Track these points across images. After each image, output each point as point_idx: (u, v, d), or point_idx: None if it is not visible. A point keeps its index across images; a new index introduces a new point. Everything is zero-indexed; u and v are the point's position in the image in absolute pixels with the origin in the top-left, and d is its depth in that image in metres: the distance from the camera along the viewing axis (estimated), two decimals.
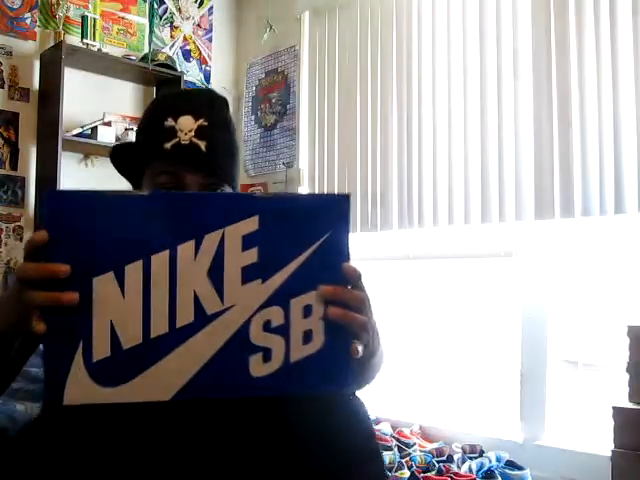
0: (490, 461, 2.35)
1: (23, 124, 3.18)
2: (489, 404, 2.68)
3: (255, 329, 0.79)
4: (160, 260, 0.76)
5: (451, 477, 2.33)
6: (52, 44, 3.19)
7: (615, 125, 2.27)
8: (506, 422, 2.60)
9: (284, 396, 0.86)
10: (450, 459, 2.52)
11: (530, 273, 2.53)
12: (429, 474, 2.37)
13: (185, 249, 0.77)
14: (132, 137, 3.28)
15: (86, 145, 3.21)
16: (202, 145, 1.06)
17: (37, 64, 3.20)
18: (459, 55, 2.75)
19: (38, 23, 3.23)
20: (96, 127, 3.20)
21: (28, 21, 3.20)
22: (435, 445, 2.59)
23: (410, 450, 2.55)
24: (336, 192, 0.79)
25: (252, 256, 0.78)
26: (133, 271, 0.76)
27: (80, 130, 3.17)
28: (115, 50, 3.43)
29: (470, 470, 2.35)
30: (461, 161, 2.72)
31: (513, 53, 2.57)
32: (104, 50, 3.27)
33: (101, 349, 0.76)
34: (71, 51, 3.09)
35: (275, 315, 0.79)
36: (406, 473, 2.38)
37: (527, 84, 2.52)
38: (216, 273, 0.78)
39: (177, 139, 1.06)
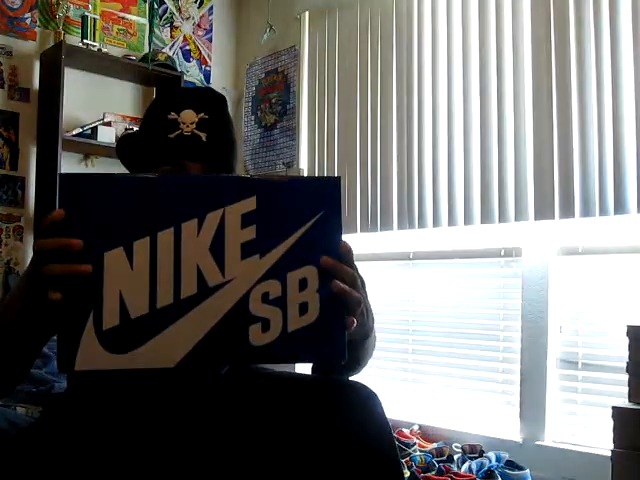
0: (490, 461, 2.35)
1: (23, 124, 3.18)
2: (489, 404, 2.68)
3: (254, 300, 0.84)
4: (166, 237, 0.83)
5: (451, 477, 2.33)
6: (52, 44, 3.19)
7: (615, 125, 2.27)
8: (506, 422, 2.60)
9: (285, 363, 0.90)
10: (450, 459, 2.53)
11: (530, 273, 2.53)
12: (429, 474, 2.37)
13: (188, 227, 0.83)
14: None
15: (86, 145, 3.21)
16: (203, 136, 1.12)
17: (37, 64, 3.20)
18: (459, 55, 2.75)
19: (38, 23, 3.23)
20: (96, 127, 3.20)
21: (28, 21, 3.20)
22: (435, 445, 2.59)
23: (410, 450, 2.55)
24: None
25: (251, 233, 0.84)
26: (141, 247, 0.83)
27: (80, 130, 3.17)
28: (115, 50, 3.43)
29: (470, 470, 2.35)
30: (461, 161, 2.72)
31: (513, 53, 2.57)
32: (104, 50, 3.27)
33: (111, 318, 0.82)
34: (71, 51, 3.09)
35: (273, 288, 0.85)
36: (406, 473, 2.38)
37: (527, 84, 2.52)
38: (217, 249, 0.84)
39: (179, 130, 1.12)
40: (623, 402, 1.93)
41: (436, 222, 2.79)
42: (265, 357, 0.86)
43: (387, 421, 1.03)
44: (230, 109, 1.23)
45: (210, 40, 3.85)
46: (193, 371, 0.92)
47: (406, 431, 2.69)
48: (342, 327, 0.87)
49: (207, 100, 1.17)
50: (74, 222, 0.82)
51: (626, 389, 1.93)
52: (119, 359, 0.82)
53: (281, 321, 0.85)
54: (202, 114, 1.14)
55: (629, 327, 1.95)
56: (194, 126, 1.12)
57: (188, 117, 1.13)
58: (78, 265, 0.81)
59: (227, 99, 1.22)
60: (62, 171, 2.99)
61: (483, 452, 2.46)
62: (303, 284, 0.86)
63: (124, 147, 1.23)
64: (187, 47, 3.75)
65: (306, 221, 0.86)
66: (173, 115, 1.13)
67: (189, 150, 1.12)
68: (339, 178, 0.89)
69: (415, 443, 2.61)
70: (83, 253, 0.82)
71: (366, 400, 1.02)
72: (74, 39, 3.24)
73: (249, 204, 0.85)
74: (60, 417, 1.08)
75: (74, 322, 0.82)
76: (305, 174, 3.39)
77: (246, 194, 0.85)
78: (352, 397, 1.02)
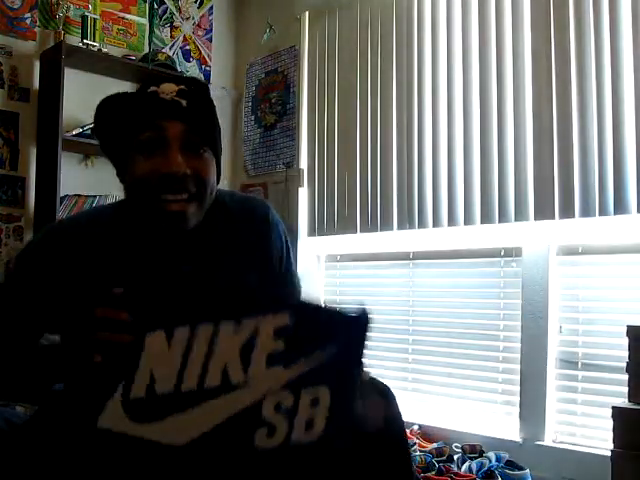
0: (490, 461, 2.35)
1: (23, 124, 3.17)
2: (489, 404, 2.68)
3: (267, 406, 0.92)
4: (205, 330, 0.92)
5: (451, 477, 2.33)
6: (52, 44, 3.18)
7: (615, 125, 2.28)
8: (506, 422, 2.60)
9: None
10: (450, 459, 2.53)
11: (530, 273, 2.53)
12: (429, 474, 2.37)
13: (226, 326, 0.92)
14: None
15: (86, 145, 3.21)
16: (183, 102, 1.12)
17: (37, 64, 3.20)
18: (459, 54, 2.75)
19: (38, 23, 3.23)
20: None
21: (28, 21, 3.20)
22: (435, 445, 2.59)
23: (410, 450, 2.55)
24: (356, 307, 0.93)
25: (279, 345, 0.93)
26: (181, 334, 0.91)
27: (80, 130, 3.16)
28: (115, 50, 3.42)
29: (470, 470, 2.35)
30: (461, 161, 2.72)
31: (513, 52, 2.57)
32: (104, 50, 3.27)
33: (138, 390, 0.90)
34: (71, 51, 3.09)
35: (287, 399, 0.93)
36: None
37: (527, 84, 2.52)
38: (247, 352, 0.92)
39: (160, 99, 1.12)
40: (623, 402, 1.93)
41: (436, 222, 2.80)
42: (263, 461, 0.93)
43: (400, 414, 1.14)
44: (230, 109, 1.24)
45: (210, 40, 3.84)
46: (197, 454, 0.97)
47: (406, 431, 2.69)
48: (342, 449, 0.94)
49: (189, 79, 1.19)
50: (130, 299, 0.92)
51: (626, 389, 1.93)
52: (137, 427, 0.90)
53: (286, 431, 0.93)
54: (182, 86, 1.13)
55: (629, 327, 1.95)
56: (174, 94, 1.12)
57: (167, 87, 1.12)
58: (126, 336, 0.91)
59: (227, 99, 1.22)
60: (62, 171, 2.99)
61: (483, 452, 2.46)
62: (315, 402, 0.93)
63: (101, 114, 1.20)
64: (187, 47, 3.75)
65: (331, 347, 0.94)
66: (152, 88, 1.13)
67: (168, 111, 1.11)
68: (368, 315, 0.99)
69: (415, 443, 2.61)
70: (131, 328, 0.91)
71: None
72: (74, 39, 3.24)
73: (283, 319, 0.93)
74: (55, 415, 1.08)
75: (106, 385, 0.90)
76: (305, 174, 3.39)
77: (282, 309, 0.94)
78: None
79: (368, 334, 0.98)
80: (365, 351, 0.96)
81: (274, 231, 1.31)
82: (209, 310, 0.93)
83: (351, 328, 0.97)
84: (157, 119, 1.11)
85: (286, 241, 1.34)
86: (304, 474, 0.95)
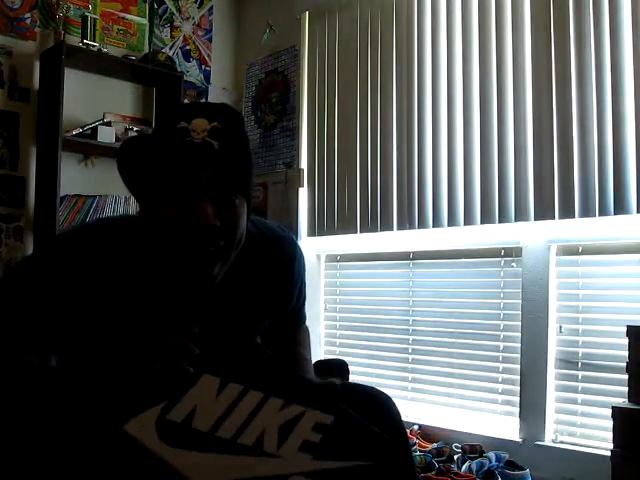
0: (490, 461, 2.35)
1: (23, 124, 3.17)
2: (489, 404, 2.68)
3: None
4: (255, 395, 0.98)
5: (451, 477, 2.33)
6: (52, 44, 3.18)
7: (615, 125, 2.28)
8: (506, 422, 2.60)
9: None
10: (450, 459, 2.53)
11: (530, 273, 2.53)
12: (429, 474, 2.37)
13: (275, 401, 0.99)
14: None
15: (86, 145, 3.21)
16: (215, 144, 1.04)
17: (37, 64, 3.20)
18: (459, 54, 2.75)
19: (38, 23, 3.23)
20: (96, 127, 3.20)
21: (28, 21, 3.20)
22: (435, 445, 2.59)
23: None
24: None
25: (316, 437, 0.97)
26: (233, 388, 0.98)
27: (80, 130, 3.16)
28: (115, 50, 3.43)
29: (470, 470, 2.35)
30: (461, 161, 2.72)
31: (513, 53, 2.57)
32: (104, 50, 3.27)
33: (177, 415, 0.95)
34: (71, 51, 3.09)
35: None
36: None
37: (528, 84, 2.52)
38: (285, 429, 0.97)
39: (190, 138, 1.03)
40: (623, 402, 1.93)
41: (436, 222, 2.80)
42: None
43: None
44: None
45: (210, 40, 3.85)
46: None
47: (409, 442, 2.69)
48: None
49: (221, 111, 1.09)
50: (201, 340, 1.01)
51: (626, 389, 1.93)
52: (162, 446, 0.93)
53: None
54: (215, 123, 1.04)
55: (629, 327, 1.95)
56: (205, 134, 1.03)
57: (199, 125, 1.04)
58: (187, 367, 0.98)
59: (227, 99, 1.19)
60: (62, 171, 2.99)
61: (483, 452, 2.46)
62: None
63: (126, 152, 1.15)
64: (187, 47, 3.75)
65: (360, 460, 0.98)
66: (183, 124, 1.04)
67: (199, 157, 1.03)
68: (407, 444, 1.06)
69: (415, 443, 2.61)
70: (192, 361, 0.99)
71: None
72: (74, 39, 3.24)
73: (327, 419, 0.99)
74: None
75: (148, 397, 0.95)
76: (305, 174, 3.39)
77: (329, 410, 1.00)
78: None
79: (392, 456, 1.01)
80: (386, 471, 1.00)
81: (298, 272, 1.32)
82: (265, 380, 1.01)
83: (384, 449, 1.01)
84: (188, 167, 1.03)
85: (304, 275, 1.36)
86: None
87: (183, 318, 1.14)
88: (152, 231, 1.10)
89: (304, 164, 3.41)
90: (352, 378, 1.63)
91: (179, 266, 1.08)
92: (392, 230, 2.97)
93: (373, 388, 1.17)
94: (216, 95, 3.70)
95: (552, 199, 2.42)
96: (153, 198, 1.08)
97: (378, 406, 1.11)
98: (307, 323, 1.48)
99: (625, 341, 1.95)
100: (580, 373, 2.41)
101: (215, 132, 1.04)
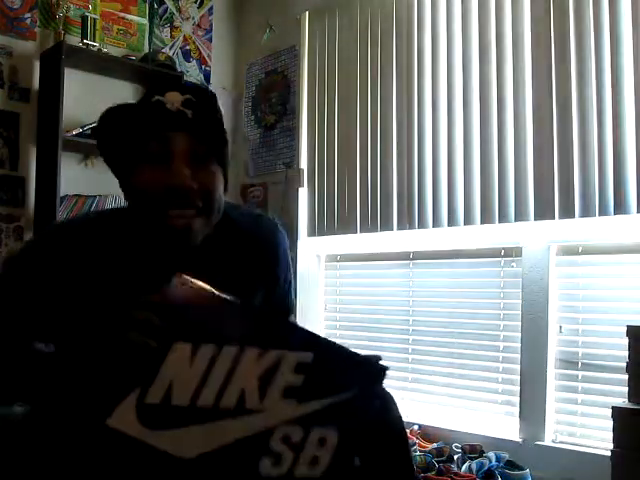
0: (490, 461, 2.35)
1: (23, 124, 3.17)
2: (489, 404, 2.68)
3: (276, 436, 0.94)
4: (230, 351, 0.94)
5: (451, 477, 2.33)
6: (52, 44, 3.18)
7: (615, 125, 2.28)
8: (506, 422, 2.60)
9: None
10: (450, 459, 2.53)
11: (530, 273, 2.53)
12: (429, 474, 2.37)
13: (251, 352, 0.95)
14: None
15: (86, 145, 3.21)
16: (189, 113, 1.09)
17: (37, 64, 3.20)
18: (459, 54, 2.75)
19: (38, 23, 3.23)
20: None
21: (28, 21, 3.20)
22: (435, 445, 2.59)
23: None
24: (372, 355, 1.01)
25: (298, 380, 0.95)
26: (206, 350, 0.93)
27: (80, 130, 3.16)
28: (115, 50, 3.43)
29: (470, 470, 2.35)
30: (461, 161, 2.72)
31: (513, 53, 2.57)
32: (104, 50, 3.27)
33: (154, 396, 0.92)
34: (71, 51, 3.09)
35: (296, 433, 0.95)
36: None
37: (527, 84, 2.52)
38: (265, 380, 0.95)
39: (165, 110, 1.08)
40: (623, 402, 1.93)
41: (436, 222, 2.80)
42: None
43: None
44: (230, 109, 1.22)
45: (210, 40, 3.84)
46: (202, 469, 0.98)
47: (407, 435, 2.69)
48: None
49: (193, 87, 1.15)
50: (170, 311, 0.94)
51: (626, 389, 1.93)
52: (145, 432, 0.91)
53: (291, 464, 0.94)
54: (188, 95, 1.10)
55: (629, 327, 1.95)
56: (179, 104, 1.09)
57: (173, 97, 1.09)
58: (153, 341, 0.93)
59: (227, 99, 1.21)
60: (62, 171, 2.99)
61: (483, 452, 2.46)
62: (322, 441, 0.96)
63: (105, 123, 1.18)
64: (187, 47, 3.75)
65: (346, 391, 0.97)
66: (157, 97, 1.09)
67: (174, 123, 1.08)
68: (385, 369, 1.01)
69: (415, 443, 2.61)
70: (158, 333, 0.93)
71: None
72: (74, 39, 3.24)
73: (306, 357, 0.96)
74: (57, 409, 1.08)
75: (124, 385, 0.92)
76: (305, 174, 3.39)
77: (306, 347, 0.97)
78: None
79: (383, 384, 1.01)
80: (375, 400, 1.00)
81: (281, 250, 1.32)
82: (236, 332, 0.96)
83: (369, 376, 1.00)
84: (162, 131, 1.08)
85: (289, 257, 1.36)
86: None
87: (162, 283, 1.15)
88: (131, 201, 1.14)
89: (304, 164, 3.41)
90: None
91: (158, 228, 1.11)
92: (392, 230, 2.97)
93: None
94: (216, 95, 3.70)
95: (552, 199, 2.42)
96: (131, 167, 1.12)
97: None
98: (307, 323, 1.49)
99: (625, 341, 1.95)
100: (580, 373, 2.41)
101: (189, 103, 1.09)
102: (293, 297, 1.43)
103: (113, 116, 1.16)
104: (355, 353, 1.02)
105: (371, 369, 1.01)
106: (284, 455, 0.94)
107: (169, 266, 1.13)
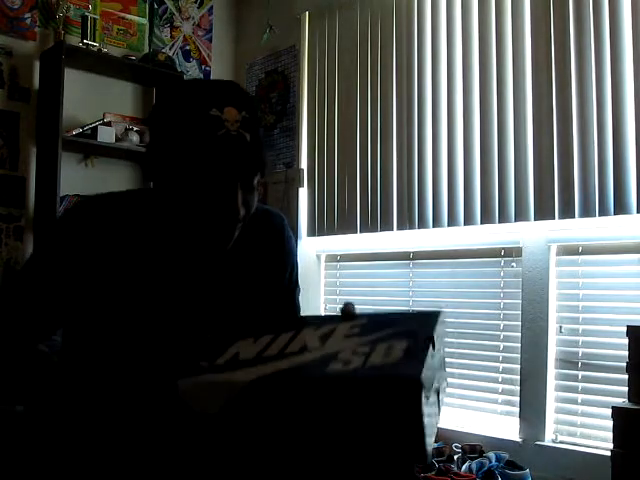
0: (490, 461, 2.35)
1: (23, 124, 3.17)
2: (489, 404, 2.68)
3: (344, 352, 0.93)
4: (287, 334, 1.00)
5: (451, 477, 2.33)
6: (52, 44, 3.18)
7: (615, 125, 2.28)
8: (506, 422, 2.60)
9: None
10: (450, 459, 2.53)
11: (530, 273, 2.53)
12: (429, 474, 2.37)
13: (307, 329, 1.01)
14: (132, 137, 3.28)
15: (86, 145, 3.21)
16: (247, 136, 1.08)
17: (37, 64, 3.20)
18: (459, 54, 2.75)
19: (38, 23, 3.23)
20: (96, 127, 3.20)
21: (28, 21, 3.20)
22: (435, 445, 2.59)
23: None
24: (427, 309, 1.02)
25: (356, 330, 0.99)
26: (264, 337, 1.00)
27: (80, 130, 3.16)
28: (115, 50, 3.43)
29: (470, 470, 2.35)
30: (461, 161, 2.72)
31: (513, 53, 2.57)
32: (104, 50, 3.27)
33: (222, 361, 0.96)
34: (71, 51, 3.09)
35: (363, 347, 0.93)
36: None
37: (528, 84, 2.52)
38: (325, 336, 0.98)
39: (225, 129, 1.06)
40: (623, 402, 1.93)
41: (436, 222, 2.80)
42: (336, 387, 0.90)
43: None
44: None
45: (210, 40, 3.85)
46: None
47: None
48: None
49: (244, 98, 1.12)
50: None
51: (626, 389, 1.93)
52: (217, 375, 0.93)
53: (362, 362, 0.90)
54: (244, 113, 1.08)
55: (629, 327, 1.96)
56: (238, 125, 1.07)
57: (232, 115, 1.07)
58: None
59: None
60: (62, 171, 2.99)
61: (483, 452, 2.46)
62: (389, 349, 0.91)
63: (156, 121, 1.14)
64: (187, 47, 3.75)
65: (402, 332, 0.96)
66: (215, 112, 1.06)
67: (237, 150, 1.07)
68: (439, 313, 1.00)
69: None
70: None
71: None
72: (74, 39, 3.24)
73: (359, 320, 1.02)
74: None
75: (195, 353, 0.96)
76: (305, 174, 3.39)
77: (357, 318, 1.02)
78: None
79: (442, 323, 0.99)
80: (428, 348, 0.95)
81: (289, 244, 1.34)
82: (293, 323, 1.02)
83: (424, 320, 1.00)
84: (226, 158, 1.07)
85: (296, 253, 1.38)
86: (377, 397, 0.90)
87: (196, 285, 1.18)
88: (178, 213, 1.12)
89: (304, 164, 3.41)
90: None
91: (202, 243, 1.13)
92: (392, 230, 2.97)
93: None
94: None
95: (552, 199, 2.42)
96: (184, 182, 1.10)
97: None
98: None
99: (625, 341, 1.95)
100: (580, 373, 2.41)
101: (245, 123, 1.08)
102: (300, 300, 1.44)
103: (165, 121, 1.12)
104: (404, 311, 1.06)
105: (424, 317, 1.01)
106: (353, 359, 0.91)
107: (200, 267, 1.19)
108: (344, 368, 0.89)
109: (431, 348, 0.91)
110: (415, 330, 0.96)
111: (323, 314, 1.28)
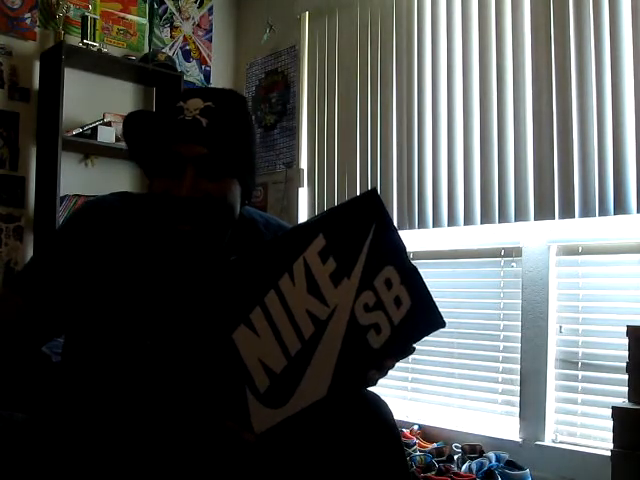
0: (490, 461, 2.35)
1: (23, 124, 3.17)
2: (489, 404, 2.68)
3: (359, 313, 0.99)
4: (271, 299, 0.96)
5: (451, 477, 2.33)
6: (52, 44, 3.18)
7: (615, 125, 2.28)
8: (506, 422, 2.60)
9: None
10: (450, 459, 2.53)
11: (530, 273, 2.53)
12: (429, 474, 2.37)
13: (284, 282, 0.96)
14: None
15: (86, 145, 3.21)
16: (204, 121, 1.09)
17: (37, 64, 3.20)
18: (459, 54, 2.75)
19: (38, 23, 3.23)
20: (96, 127, 3.20)
21: (28, 21, 3.20)
22: (435, 445, 2.59)
23: (410, 450, 2.55)
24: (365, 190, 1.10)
25: (332, 264, 0.98)
26: (256, 316, 0.95)
27: (80, 130, 3.16)
28: (115, 50, 3.43)
29: (470, 470, 2.35)
30: (461, 161, 2.72)
31: (513, 53, 2.57)
32: (104, 50, 3.27)
33: (262, 382, 0.95)
34: (71, 51, 3.09)
35: (368, 297, 1.00)
36: None
37: (527, 84, 2.52)
38: (314, 288, 0.97)
39: (183, 115, 1.09)
40: (623, 402, 1.93)
41: (436, 222, 2.80)
42: (388, 353, 1.01)
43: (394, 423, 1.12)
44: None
45: (210, 40, 3.85)
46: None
47: (406, 431, 2.69)
48: (431, 300, 1.05)
49: (221, 94, 1.14)
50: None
51: (626, 389, 1.93)
52: (284, 410, 0.96)
53: (387, 320, 1.00)
54: (209, 103, 1.10)
55: (629, 327, 1.96)
56: (197, 112, 1.09)
57: (193, 104, 1.10)
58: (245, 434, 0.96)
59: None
60: (62, 171, 2.99)
61: (483, 452, 2.46)
62: (388, 283, 1.01)
63: (132, 124, 1.19)
64: (187, 47, 3.75)
65: (367, 234, 1.00)
66: (180, 103, 1.11)
67: (185, 133, 1.08)
68: (375, 190, 1.04)
69: (415, 443, 2.61)
70: (216, 339, 0.95)
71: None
72: (74, 39, 3.24)
73: (319, 242, 0.98)
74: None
75: (236, 400, 0.94)
76: (305, 174, 3.39)
77: (313, 235, 0.98)
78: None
79: (383, 204, 1.02)
80: (389, 219, 1.03)
81: None
82: (264, 281, 0.96)
83: (369, 208, 1.02)
84: (173, 141, 1.08)
85: None
86: (420, 336, 1.05)
87: (192, 291, 1.15)
88: (146, 205, 1.16)
89: (304, 164, 3.41)
90: None
91: (163, 242, 1.12)
92: None
93: (369, 391, 1.17)
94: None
95: (552, 199, 2.42)
96: (148, 172, 1.15)
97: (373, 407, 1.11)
98: None
99: (625, 341, 1.95)
100: (580, 373, 2.41)
101: (206, 111, 1.09)
102: None
103: (136, 121, 1.18)
104: (347, 201, 1.04)
105: (366, 201, 1.02)
106: (377, 320, 1.00)
107: (197, 264, 1.17)
108: (382, 337, 1.00)
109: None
110: (380, 234, 1.01)
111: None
